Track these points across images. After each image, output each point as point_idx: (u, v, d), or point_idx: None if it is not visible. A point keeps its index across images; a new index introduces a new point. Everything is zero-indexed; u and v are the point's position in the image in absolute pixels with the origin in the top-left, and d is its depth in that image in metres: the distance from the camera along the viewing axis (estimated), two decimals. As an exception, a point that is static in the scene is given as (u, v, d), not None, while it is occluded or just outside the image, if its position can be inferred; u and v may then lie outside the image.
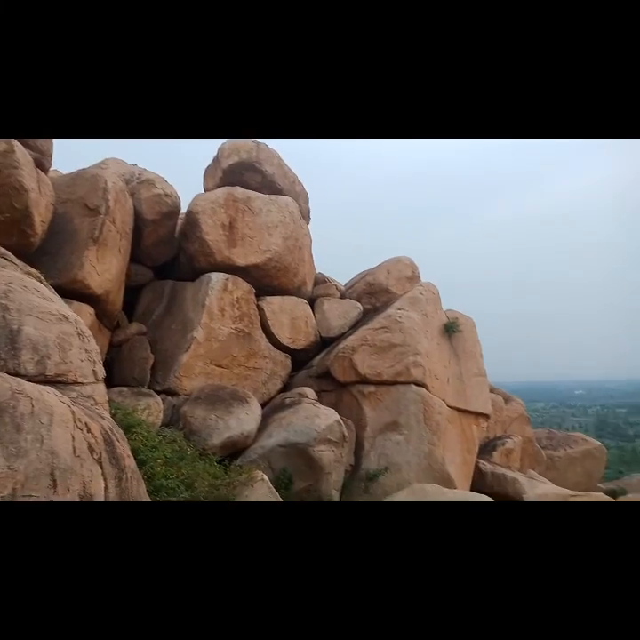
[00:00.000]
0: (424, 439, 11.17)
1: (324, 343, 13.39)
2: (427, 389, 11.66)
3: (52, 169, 9.32)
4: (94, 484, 3.86)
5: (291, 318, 12.88)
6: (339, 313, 13.60)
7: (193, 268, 12.26)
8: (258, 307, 12.43)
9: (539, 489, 11.51)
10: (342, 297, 14.33)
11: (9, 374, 3.94)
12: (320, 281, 14.78)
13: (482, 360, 13.81)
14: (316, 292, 14.22)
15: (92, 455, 3.95)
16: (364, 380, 11.76)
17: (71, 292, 8.96)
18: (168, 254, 12.54)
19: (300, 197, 14.21)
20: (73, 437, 3.84)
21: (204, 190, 13.16)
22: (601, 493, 11.35)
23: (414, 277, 14.17)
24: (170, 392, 10.80)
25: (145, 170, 11.98)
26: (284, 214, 12.76)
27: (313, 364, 12.89)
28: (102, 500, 3.89)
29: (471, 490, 11.12)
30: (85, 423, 4.07)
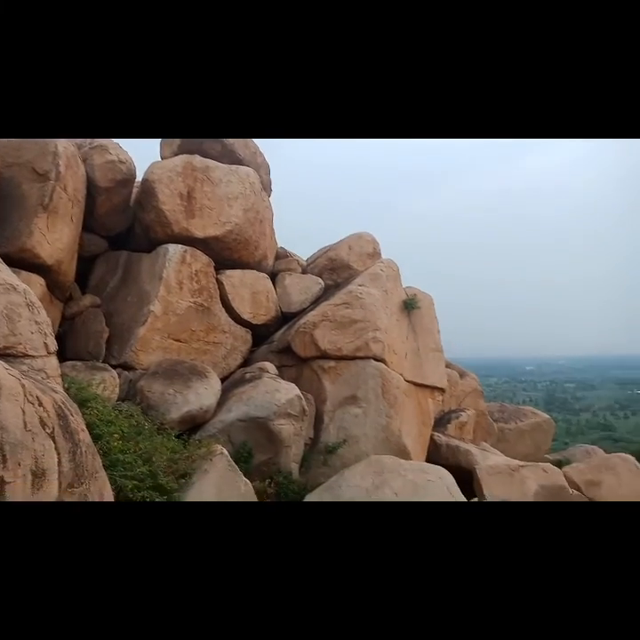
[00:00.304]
0: (382, 412, 11.37)
1: (285, 318, 13.32)
2: (385, 364, 11.83)
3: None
4: (47, 458, 3.77)
5: (251, 293, 12.74)
6: (300, 288, 13.53)
7: (149, 238, 11.89)
8: (217, 280, 12.21)
9: (490, 460, 11.95)
10: (304, 272, 14.23)
11: (-48, 346, 3.76)
12: (281, 255, 14.62)
13: (439, 336, 14.09)
14: (278, 267, 14.07)
15: (44, 429, 3.84)
16: (325, 355, 11.83)
17: (19, 261, 8.57)
18: (123, 224, 12.11)
19: (262, 169, 13.91)
20: (23, 411, 3.71)
21: (161, 158, 12.69)
22: (548, 464, 11.89)
23: (375, 254, 14.21)
24: (126, 366, 10.56)
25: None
26: (244, 185, 12.48)
27: (274, 339, 12.84)
28: (55, 474, 3.80)
29: (427, 461, 11.44)
30: (37, 397, 3.94)
